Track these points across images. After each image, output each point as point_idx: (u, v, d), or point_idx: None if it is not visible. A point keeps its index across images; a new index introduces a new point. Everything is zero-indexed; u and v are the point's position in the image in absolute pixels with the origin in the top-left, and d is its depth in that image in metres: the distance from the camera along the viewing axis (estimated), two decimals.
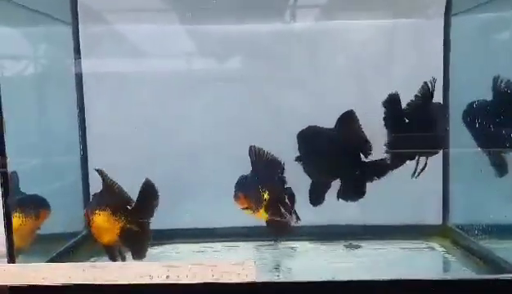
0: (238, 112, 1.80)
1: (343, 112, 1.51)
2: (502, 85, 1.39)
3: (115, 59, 1.82)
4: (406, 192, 1.78)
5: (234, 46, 1.79)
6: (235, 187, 1.55)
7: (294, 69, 1.80)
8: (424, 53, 1.78)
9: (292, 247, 1.70)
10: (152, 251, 1.68)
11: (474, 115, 1.49)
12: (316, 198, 1.54)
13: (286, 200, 1.53)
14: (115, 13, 1.80)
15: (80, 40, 1.79)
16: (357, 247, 1.70)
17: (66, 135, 1.83)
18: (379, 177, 1.55)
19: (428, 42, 1.79)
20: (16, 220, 1.48)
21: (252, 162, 1.55)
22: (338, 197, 1.54)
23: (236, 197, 1.54)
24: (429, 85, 1.49)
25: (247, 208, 1.54)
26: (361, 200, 1.74)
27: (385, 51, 1.81)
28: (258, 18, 1.79)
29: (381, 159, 1.53)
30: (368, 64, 1.80)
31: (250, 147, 1.57)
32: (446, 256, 1.63)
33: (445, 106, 1.69)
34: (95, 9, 1.79)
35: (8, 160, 1.38)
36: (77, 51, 1.79)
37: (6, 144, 1.34)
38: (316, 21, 1.82)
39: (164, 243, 1.74)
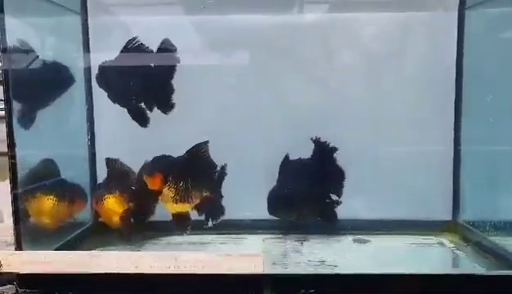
0: (249, 103, 1.79)
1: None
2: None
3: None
4: (416, 188, 1.77)
5: (243, 38, 1.77)
6: (152, 162, 1.56)
7: (305, 61, 1.78)
8: (437, 46, 1.76)
9: (299, 240, 1.68)
10: (159, 241, 1.69)
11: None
12: None
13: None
14: (125, 4, 1.79)
15: (89, 31, 1.78)
16: (366, 241, 1.69)
17: (75, 127, 1.83)
18: None
19: (441, 35, 1.76)
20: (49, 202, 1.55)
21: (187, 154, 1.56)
22: None
23: (150, 174, 1.54)
24: None
25: (156, 191, 1.55)
26: (371, 195, 1.74)
27: (398, 43, 1.79)
28: (267, 9, 1.77)
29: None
30: (380, 56, 1.78)
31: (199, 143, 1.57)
32: (456, 251, 1.61)
33: None
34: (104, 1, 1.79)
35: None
36: (85, 42, 1.79)
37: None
38: (329, 13, 1.80)
39: (171, 234, 1.73)
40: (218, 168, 1.61)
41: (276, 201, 1.67)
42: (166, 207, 1.60)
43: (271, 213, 1.67)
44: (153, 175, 1.56)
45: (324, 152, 1.68)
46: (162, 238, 1.71)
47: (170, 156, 1.59)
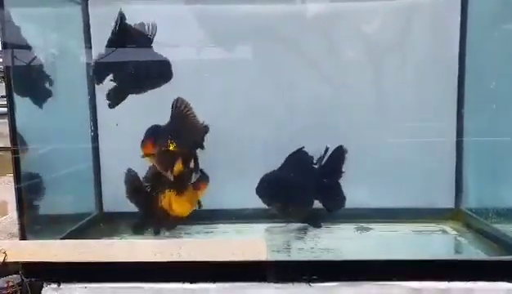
0: (251, 95, 1.78)
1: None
2: None
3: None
4: (419, 176, 1.77)
5: (246, 28, 1.76)
6: (146, 133, 1.59)
7: (307, 50, 1.77)
8: (440, 33, 1.74)
9: (302, 229, 1.69)
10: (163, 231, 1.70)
11: None
12: None
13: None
14: None
15: (90, 21, 1.78)
16: (368, 229, 1.69)
17: (78, 122, 1.83)
18: None
19: (444, 22, 1.75)
20: None
21: (172, 114, 1.57)
22: None
23: (144, 143, 1.57)
24: None
25: (149, 155, 1.57)
26: (374, 184, 1.74)
27: (401, 31, 1.78)
28: None
29: None
30: (383, 45, 1.78)
31: (177, 98, 1.58)
32: (458, 238, 1.61)
33: None
34: None
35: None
36: (86, 32, 1.79)
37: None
38: (331, 2, 1.79)
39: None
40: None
41: (267, 184, 1.63)
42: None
43: (257, 193, 1.63)
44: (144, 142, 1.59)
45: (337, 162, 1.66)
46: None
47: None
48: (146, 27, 1.61)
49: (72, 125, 1.78)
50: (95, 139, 1.85)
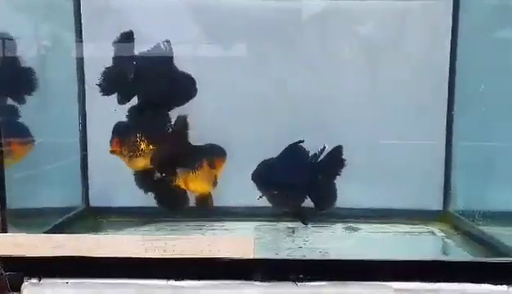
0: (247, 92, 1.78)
1: None
2: None
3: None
4: (407, 178, 1.77)
5: (242, 25, 1.75)
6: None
7: (302, 49, 1.77)
8: (432, 35, 1.76)
9: (290, 228, 1.68)
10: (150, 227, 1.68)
11: None
12: None
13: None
14: None
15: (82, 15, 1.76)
16: (356, 229, 1.69)
17: (66, 115, 1.81)
18: None
19: (436, 24, 1.76)
20: None
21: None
22: None
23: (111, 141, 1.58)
24: None
25: (116, 152, 1.58)
26: (364, 184, 1.74)
27: (394, 32, 1.79)
28: None
29: None
30: (377, 45, 1.78)
31: None
32: (446, 240, 1.62)
33: None
34: None
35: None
36: (78, 27, 1.76)
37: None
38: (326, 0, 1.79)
39: (163, 221, 1.73)
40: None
41: (263, 170, 1.62)
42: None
43: (253, 178, 1.62)
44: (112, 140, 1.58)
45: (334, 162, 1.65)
46: (151, 224, 1.71)
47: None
48: (162, 46, 1.57)
49: (60, 118, 1.76)
50: (83, 132, 1.82)
